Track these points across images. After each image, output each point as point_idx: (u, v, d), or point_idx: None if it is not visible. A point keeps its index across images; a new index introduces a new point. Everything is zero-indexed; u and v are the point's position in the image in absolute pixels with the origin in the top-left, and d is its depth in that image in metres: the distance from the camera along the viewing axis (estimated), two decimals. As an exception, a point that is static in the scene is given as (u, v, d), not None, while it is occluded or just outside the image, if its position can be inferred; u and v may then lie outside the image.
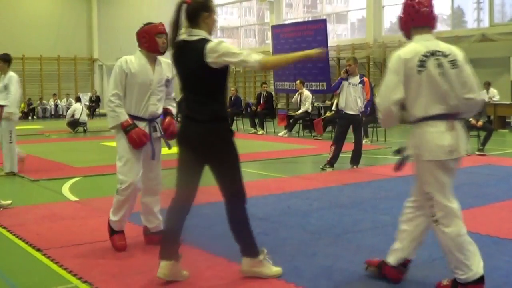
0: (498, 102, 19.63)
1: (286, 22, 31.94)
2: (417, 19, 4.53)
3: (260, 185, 9.52)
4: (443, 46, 4.51)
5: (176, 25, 4.54)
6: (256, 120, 20.21)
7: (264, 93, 20.59)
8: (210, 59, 4.41)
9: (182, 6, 4.56)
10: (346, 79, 11.07)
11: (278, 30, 29.01)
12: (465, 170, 10.79)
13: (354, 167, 11.14)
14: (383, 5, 27.18)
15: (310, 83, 24.74)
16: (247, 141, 17.49)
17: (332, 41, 28.42)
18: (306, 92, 19.23)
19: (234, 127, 21.06)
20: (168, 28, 4.68)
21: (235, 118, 21.22)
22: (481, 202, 7.78)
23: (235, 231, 4.77)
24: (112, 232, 5.83)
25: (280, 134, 18.82)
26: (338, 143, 11.09)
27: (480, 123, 12.94)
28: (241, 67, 4.69)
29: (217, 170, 4.65)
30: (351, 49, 26.91)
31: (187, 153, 4.64)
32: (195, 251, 5.54)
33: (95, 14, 33.79)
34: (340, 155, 11.11)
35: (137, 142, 5.51)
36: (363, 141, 12.03)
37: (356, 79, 11.06)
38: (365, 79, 11.33)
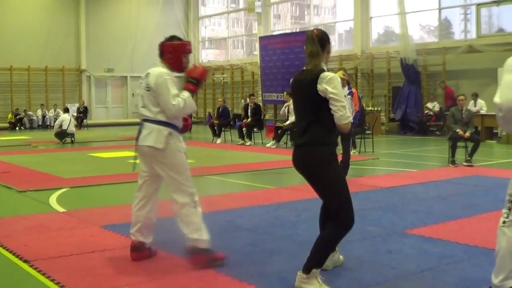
0: (485, 113, 19.71)
1: (274, 33, 32.02)
2: None
3: (248, 196, 9.52)
4: None
5: (312, 56, 4.73)
6: (244, 131, 20.21)
7: (252, 105, 20.61)
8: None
9: (314, 36, 4.76)
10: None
11: (266, 41, 29.08)
12: (452, 181, 10.85)
13: (342, 178, 11.13)
14: (370, 17, 27.29)
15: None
16: (235, 152, 17.49)
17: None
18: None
19: (222, 138, 21.06)
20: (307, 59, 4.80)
21: (223, 129, 21.22)
22: (469, 213, 7.81)
23: (315, 243, 4.71)
24: (204, 251, 5.48)
25: (268, 145, 18.82)
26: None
27: (467, 134, 12.99)
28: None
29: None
30: (339, 60, 26.99)
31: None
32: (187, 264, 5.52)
33: (83, 25, 33.73)
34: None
35: (202, 70, 5.76)
36: (351, 152, 12.03)
37: (344, 90, 11.06)
38: (354, 90, 11.33)
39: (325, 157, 4.67)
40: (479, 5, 23.33)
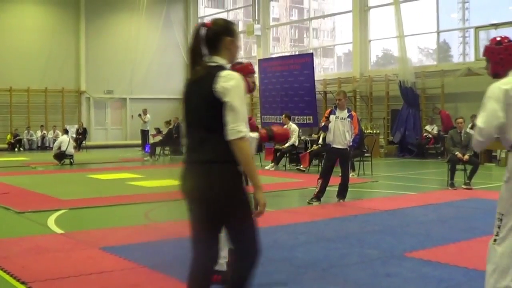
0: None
1: (273, 55, 32.16)
2: None
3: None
4: None
5: (194, 53, 3.91)
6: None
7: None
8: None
9: (201, 30, 3.96)
10: (335, 113, 11.10)
11: (265, 64, 29.19)
12: (452, 204, 10.84)
13: (341, 200, 11.13)
14: (369, 40, 27.40)
15: (297, 117, 24.86)
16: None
17: (318, 74, 28.63)
18: (293, 126, 19.27)
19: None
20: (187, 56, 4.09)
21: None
22: (468, 236, 7.80)
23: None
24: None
25: (267, 167, 18.81)
26: (325, 177, 11.09)
27: (466, 156, 13.00)
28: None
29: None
30: (338, 82, 27.08)
31: (191, 206, 3.91)
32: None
33: (83, 47, 33.85)
34: (327, 188, 11.10)
35: (284, 134, 6.13)
36: (350, 175, 12.03)
37: (344, 113, 11.10)
38: (353, 113, 11.37)
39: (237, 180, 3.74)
40: (477, 28, 23.43)
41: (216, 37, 3.90)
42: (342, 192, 11.16)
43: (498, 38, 4.83)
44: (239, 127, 3.62)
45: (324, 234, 8.08)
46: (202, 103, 3.74)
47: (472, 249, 7.06)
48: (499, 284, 4.38)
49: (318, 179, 11.17)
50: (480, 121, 4.39)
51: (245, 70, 5.85)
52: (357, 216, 9.58)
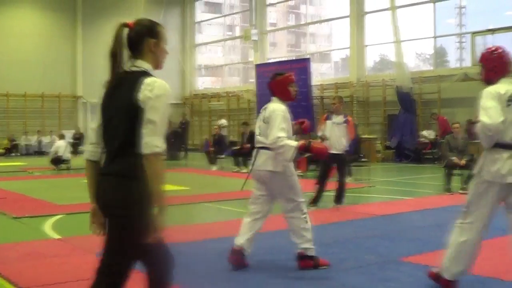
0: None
1: (270, 61, 32.17)
2: (505, 68, 5.21)
3: (244, 224, 9.50)
4: None
5: (115, 55, 3.56)
6: (240, 159, 20.20)
7: (247, 133, 20.60)
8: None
9: (122, 31, 3.62)
10: (330, 119, 11.12)
11: (262, 69, 29.17)
12: (448, 209, 10.84)
13: (338, 206, 11.14)
14: (366, 45, 27.46)
15: (293, 122, 24.82)
16: (231, 179, 17.48)
17: (315, 80, 28.64)
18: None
19: (218, 165, 21.04)
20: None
21: (218, 156, 21.22)
22: (464, 241, 7.80)
23: None
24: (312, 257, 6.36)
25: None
26: (322, 182, 11.10)
27: (463, 161, 13.03)
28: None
29: None
30: (335, 88, 27.12)
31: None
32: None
33: (79, 52, 33.87)
34: (324, 193, 11.11)
35: (322, 150, 6.62)
36: (347, 180, 12.04)
37: (340, 118, 11.12)
38: (349, 118, 11.39)
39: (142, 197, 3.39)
40: (474, 34, 23.51)
41: (138, 39, 3.59)
42: (339, 197, 11.17)
43: (494, 47, 5.33)
44: (155, 141, 3.31)
45: (321, 239, 8.06)
46: (122, 113, 3.42)
47: (469, 254, 7.05)
48: (455, 268, 5.24)
49: (315, 184, 11.18)
50: (485, 118, 4.85)
51: (287, 80, 6.71)
52: (354, 221, 9.59)
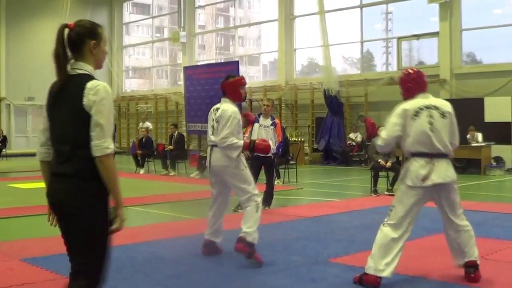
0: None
1: (199, 63, 32.11)
2: (422, 85, 6.08)
3: (171, 227, 9.41)
4: (436, 101, 5.96)
5: (58, 57, 3.59)
6: (168, 161, 20.06)
7: (175, 135, 20.49)
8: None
9: (63, 31, 3.62)
10: (258, 121, 11.13)
11: (191, 71, 29.07)
12: (375, 210, 11.00)
13: (266, 208, 11.13)
14: (294, 48, 27.68)
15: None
16: (159, 182, 17.34)
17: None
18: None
19: (145, 168, 20.82)
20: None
21: (146, 159, 21.00)
22: (391, 242, 7.90)
23: None
24: (249, 245, 6.62)
25: (192, 175, 18.73)
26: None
27: (388, 164, 13.23)
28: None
29: None
30: (263, 91, 27.23)
31: (58, 217, 3.67)
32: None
33: (3, 52, 33.06)
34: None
35: (265, 148, 7.34)
36: (275, 182, 12.07)
37: (268, 121, 11.13)
38: (277, 120, 11.42)
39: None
40: (400, 38, 24.03)
41: (79, 40, 3.61)
42: (267, 200, 11.17)
43: (409, 71, 6.22)
44: (105, 143, 3.44)
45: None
46: (69, 117, 3.51)
47: (395, 255, 7.15)
48: (383, 260, 5.60)
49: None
50: (383, 132, 5.98)
51: (239, 82, 7.17)
52: (282, 223, 9.61)
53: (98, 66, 3.72)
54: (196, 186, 15.64)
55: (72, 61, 3.61)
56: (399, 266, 5.70)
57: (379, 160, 13.31)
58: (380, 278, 5.54)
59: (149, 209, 11.42)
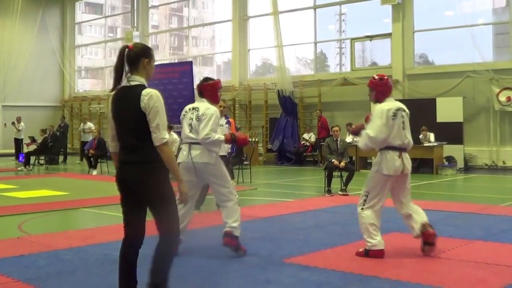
0: (359, 144, 20.27)
1: (152, 63, 31.84)
2: (391, 90, 7.17)
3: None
4: (401, 105, 7.03)
5: (118, 70, 4.71)
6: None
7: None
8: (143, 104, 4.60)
9: (124, 51, 4.74)
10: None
11: (144, 72, 28.80)
12: (328, 210, 11.06)
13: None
14: (248, 49, 27.70)
15: (176, 125, 24.68)
16: (112, 183, 17.11)
17: (198, 83, 28.53)
18: (174, 136, 19.05)
19: (98, 169, 20.59)
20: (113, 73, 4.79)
21: (99, 160, 20.76)
22: (344, 241, 7.94)
23: (156, 265, 5.15)
24: (236, 238, 7.09)
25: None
26: (205, 185, 11.03)
27: (342, 163, 13.30)
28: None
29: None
30: (217, 91, 27.14)
31: (127, 194, 4.93)
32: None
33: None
34: (206, 197, 11.05)
35: (245, 139, 7.97)
36: (230, 183, 12.02)
37: (222, 120, 11.10)
38: (231, 120, 11.42)
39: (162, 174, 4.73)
40: (353, 40, 24.24)
41: (136, 58, 4.74)
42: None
43: (380, 76, 7.07)
44: (162, 135, 4.58)
45: (204, 243, 8.04)
46: (132, 119, 4.63)
47: (349, 253, 7.19)
48: (371, 239, 6.85)
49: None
50: (371, 132, 6.76)
51: (217, 85, 7.63)
52: (237, 224, 9.57)
53: (148, 78, 4.82)
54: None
55: (128, 74, 4.74)
56: (353, 266, 5.73)
57: (333, 160, 13.38)
58: (383, 250, 6.80)
59: (101, 210, 11.28)
